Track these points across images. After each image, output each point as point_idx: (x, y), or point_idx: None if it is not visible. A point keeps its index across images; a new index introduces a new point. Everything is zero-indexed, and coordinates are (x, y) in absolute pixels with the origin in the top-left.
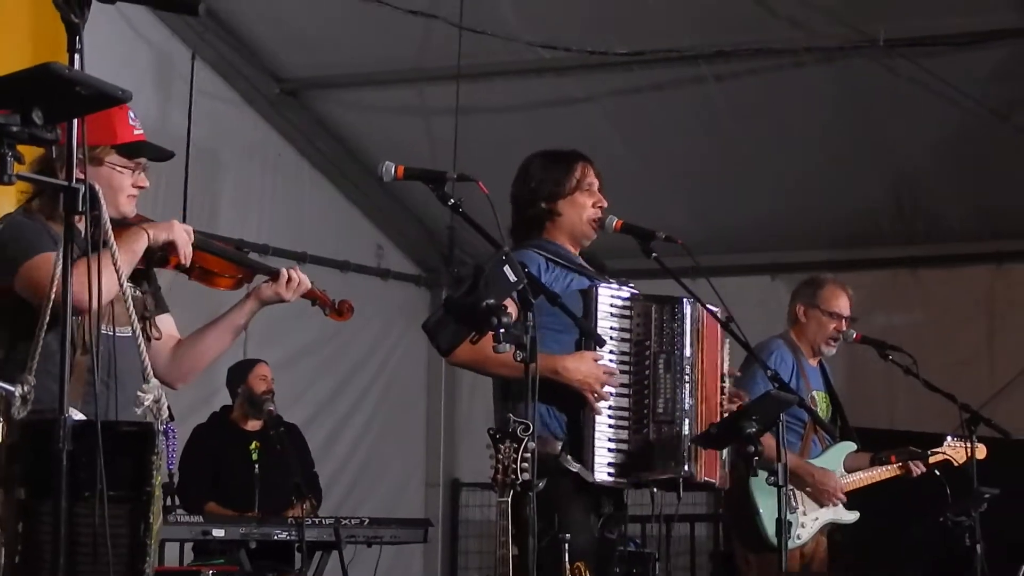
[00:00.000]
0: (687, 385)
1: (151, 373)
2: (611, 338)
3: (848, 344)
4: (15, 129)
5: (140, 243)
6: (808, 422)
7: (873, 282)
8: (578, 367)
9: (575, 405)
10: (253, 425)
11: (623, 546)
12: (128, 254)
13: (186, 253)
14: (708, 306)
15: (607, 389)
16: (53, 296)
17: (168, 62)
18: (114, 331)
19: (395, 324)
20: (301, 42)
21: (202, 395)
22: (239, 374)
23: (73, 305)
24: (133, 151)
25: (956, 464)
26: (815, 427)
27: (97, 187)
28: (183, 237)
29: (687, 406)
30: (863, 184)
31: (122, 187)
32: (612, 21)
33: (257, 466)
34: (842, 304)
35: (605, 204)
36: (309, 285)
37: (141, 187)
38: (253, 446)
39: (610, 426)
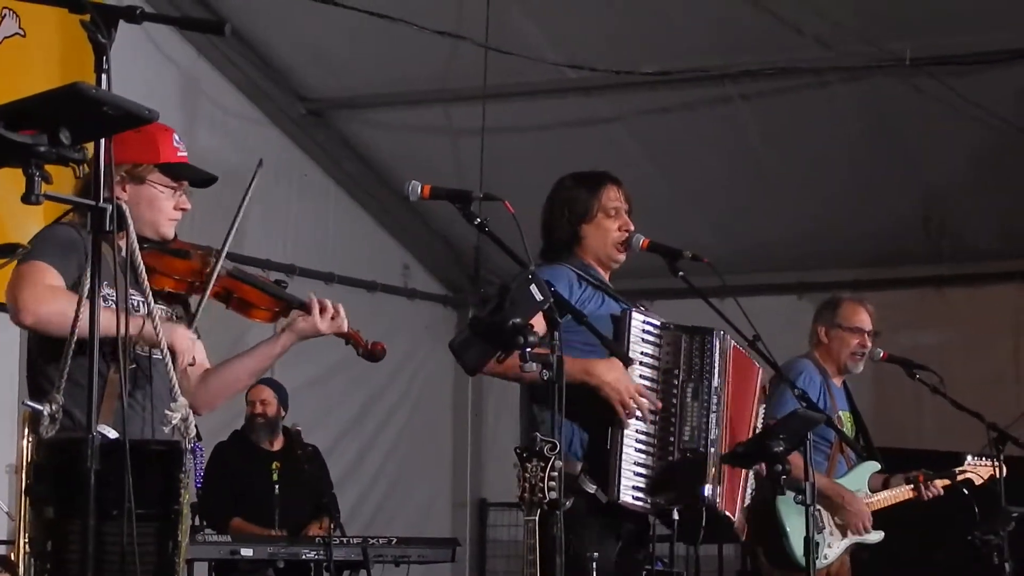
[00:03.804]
0: (713, 415)
1: (179, 392)
2: (641, 363)
3: (875, 363)
4: (43, 149)
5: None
6: (835, 442)
7: (900, 301)
8: (608, 371)
9: (600, 424)
10: (272, 445)
11: (650, 566)
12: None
13: (185, 359)
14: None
15: (642, 407)
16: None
17: (194, 83)
18: (149, 352)
19: (422, 344)
20: (326, 62)
21: (229, 415)
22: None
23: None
24: (176, 172)
25: (978, 483)
26: (841, 447)
27: (125, 207)
28: (184, 343)
29: (713, 435)
30: (890, 203)
31: (163, 208)
32: (638, 40)
33: (277, 486)
34: (862, 319)
35: (632, 228)
36: (346, 326)
37: (183, 209)
38: (274, 466)
39: (637, 450)
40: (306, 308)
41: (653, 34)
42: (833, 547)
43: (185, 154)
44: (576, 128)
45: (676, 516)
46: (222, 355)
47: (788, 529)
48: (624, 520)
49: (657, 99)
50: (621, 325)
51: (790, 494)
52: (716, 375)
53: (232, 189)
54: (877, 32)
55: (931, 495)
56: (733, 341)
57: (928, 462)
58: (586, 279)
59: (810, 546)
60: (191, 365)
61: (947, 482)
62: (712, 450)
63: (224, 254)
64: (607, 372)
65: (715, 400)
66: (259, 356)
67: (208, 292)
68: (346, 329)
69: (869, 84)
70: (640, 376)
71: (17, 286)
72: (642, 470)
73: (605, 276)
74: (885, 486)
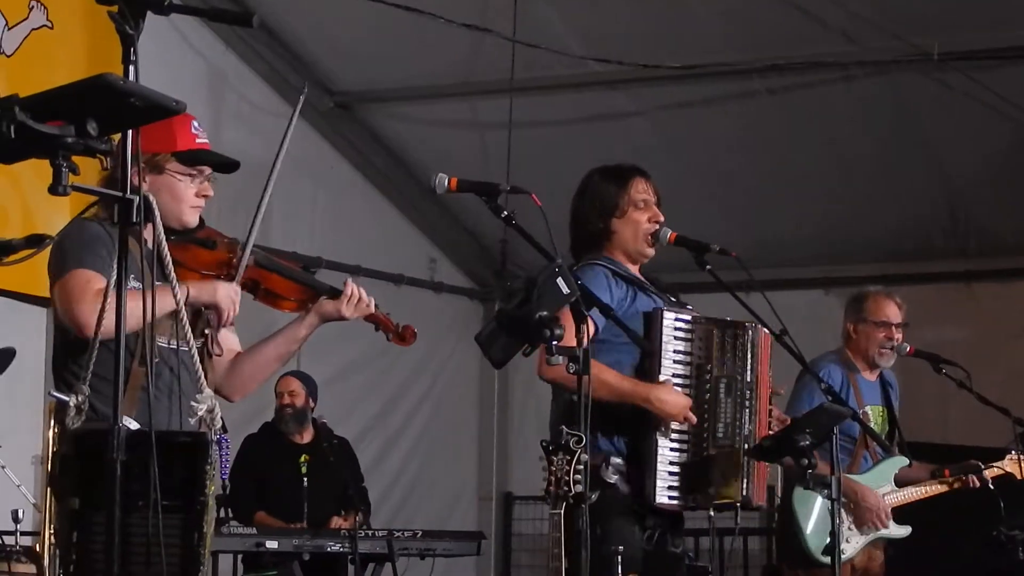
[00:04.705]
0: (747, 410)
1: (204, 384)
2: (673, 361)
3: (902, 357)
4: (70, 140)
5: (166, 300)
6: (859, 438)
7: (926, 296)
8: (671, 399)
9: (635, 428)
10: (302, 437)
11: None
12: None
13: (229, 316)
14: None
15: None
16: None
17: (221, 75)
18: (178, 345)
19: (448, 337)
20: (354, 55)
21: (256, 406)
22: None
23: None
24: (193, 158)
25: (1020, 478)
26: (866, 443)
27: (152, 198)
28: (227, 301)
29: (747, 431)
30: (916, 198)
31: (184, 196)
32: (664, 35)
33: (306, 479)
34: (889, 312)
35: (662, 219)
36: (373, 307)
37: (205, 196)
38: (303, 459)
39: (672, 449)
40: (336, 295)
41: (679, 28)
42: (851, 541)
43: (205, 140)
44: (602, 121)
45: (712, 513)
46: (252, 342)
47: (803, 525)
48: (654, 514)
49: (683, 93)
50: (653, 323)
51: (802, 490)
52: (749, 370)
53: (258, 183)
54: (903, 27)
55: (974, 486)
56: (764, 331)
57: (955, 456)
58: (620, 275)
59: (836, 539)
60: (218, 355)
61: (978, 484)
62: (747, 446)
63: (251, 242)
64: (668, 396)
65: (748, 394)
66: (285, 339)
67: (237, 283)
68: (372, 311)
69: (895, 79)
70: (673, 374)
71: (70, 302)
72: (676, 468)
73: (635, 271)
74: (934, 476)
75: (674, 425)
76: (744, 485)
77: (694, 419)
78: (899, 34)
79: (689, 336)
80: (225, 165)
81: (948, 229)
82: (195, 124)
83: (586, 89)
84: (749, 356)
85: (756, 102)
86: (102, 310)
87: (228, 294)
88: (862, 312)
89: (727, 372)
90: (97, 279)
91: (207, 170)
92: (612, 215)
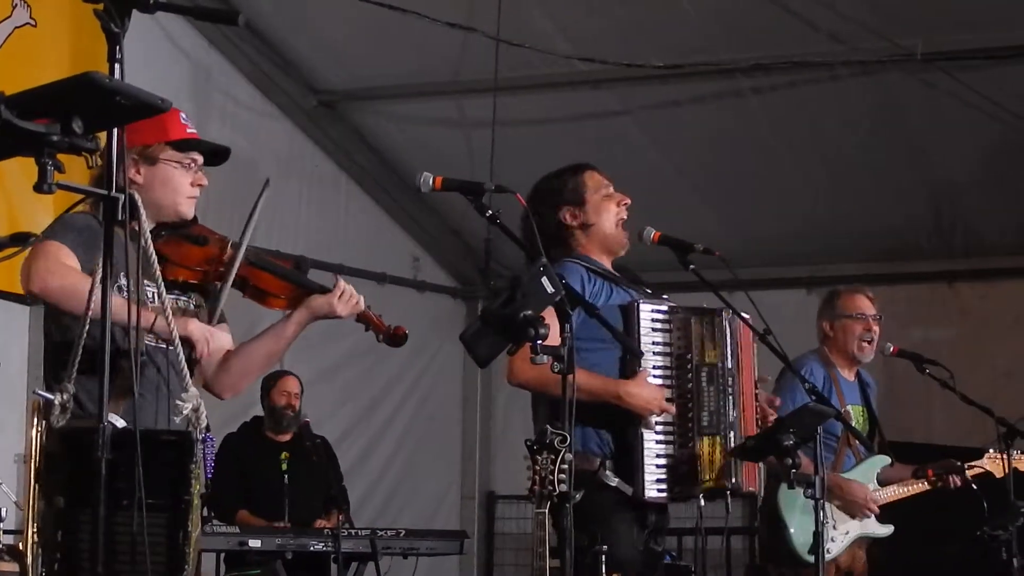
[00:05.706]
0: (730, 397)
1: (190, 383)
2: (653, 352)
3: (885, 357)
4: (55, 138)
5: (146, 315)
6: (842, 436)
7: (911, 296)
8: (640, 392)
9: (621, 424)
10: (283, 436)
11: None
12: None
13: (202, 351)
14: (742, 314)
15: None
16: (87, 314)
17: (206, 74)
18: (165, 342)
19: (431, 336)
20: (339, 54)
21: (240, 406)
22: (265, 387)
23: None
24: (187, 146)
25: (998, 477)
26: (849, 441)
27: (138, 197)
28: (200, 334)
29: (731, 418)
30: (901, 198)
31: (180, 187)
32: (650, 34)
33: (287, 477)
34: (863, 305)
35: (628, 201)
36: (363, 305)
37: (201, 185)
38: (283, 456)
39: (658, 442)
40: (326, 293)
41: (664, 27)
42: (837, 541)
43: (194, 131)
44: (587, 121)
45: (702, 503)
46: (239, 338)
47: (788, 523)
48: (648, 512)
49: (668, 92)
50: (630, 317)
51: (787, 488)
52: (730, 356)
53: (244, 181)
54: (888, 27)
55: (955, 485)
56: (739, 317)
57: (939, 456)
58: (594, 271)
59: (820, 539)
60: (207, 357)
61: (958, 484)
62: (732, 433)
63: (242, 251)
64: (638, 389)
65: (730, 381)
66: (275, 337)
67: (228, 284)
68: (363, 308)
69: (880, 79)
70: (653, 366)
71: (33, 258)
72: (664, 461)
73: (608, 265)
74: (916, 476)
75: (657, 417)
76: (733, 472)
77: (671, 409)
78: (884, 34)
79: (667, 327)
80: (216, 153)
81: (933, 229)
82: (183, 116)
83: (571, 88)
84: (729, 342)
85: (742, 101)
86: (91, 295)
87: (202, 330)
88: (835, 309)
89: (708, 360)
90: (67, 253)
91: (199, 160)
92: (584, 204)
